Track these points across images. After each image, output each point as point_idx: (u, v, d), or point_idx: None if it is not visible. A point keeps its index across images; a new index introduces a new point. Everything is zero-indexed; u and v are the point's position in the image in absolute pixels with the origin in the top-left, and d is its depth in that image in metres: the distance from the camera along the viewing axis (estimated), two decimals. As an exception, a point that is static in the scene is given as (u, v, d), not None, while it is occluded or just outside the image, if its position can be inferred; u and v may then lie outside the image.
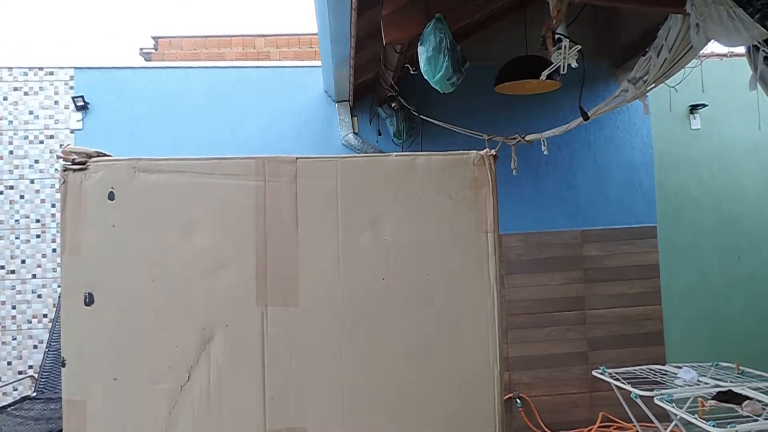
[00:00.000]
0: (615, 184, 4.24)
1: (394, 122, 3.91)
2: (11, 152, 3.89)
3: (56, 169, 3.89)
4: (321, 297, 0.98)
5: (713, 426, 2.32)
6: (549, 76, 2.69)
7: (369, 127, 4.10)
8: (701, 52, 2.39)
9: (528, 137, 3.51)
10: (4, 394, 3.76)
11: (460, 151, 1.02)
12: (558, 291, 4.10)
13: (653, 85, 2.62)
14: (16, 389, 3.79)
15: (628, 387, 2.96)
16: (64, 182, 0.96)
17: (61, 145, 3.90)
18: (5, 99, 3.91)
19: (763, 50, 2.15)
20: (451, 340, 1.00)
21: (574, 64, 2.36)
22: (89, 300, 0.94)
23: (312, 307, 0.98)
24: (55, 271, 3.87)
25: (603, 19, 4.19)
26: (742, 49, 2.39)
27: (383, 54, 3.16)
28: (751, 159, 4.40)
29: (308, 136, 4.05)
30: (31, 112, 3.92)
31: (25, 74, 3.94)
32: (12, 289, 3.84)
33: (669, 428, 2.90)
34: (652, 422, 2.97)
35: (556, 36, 2.34)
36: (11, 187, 3.86)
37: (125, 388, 0.94)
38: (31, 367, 3.81)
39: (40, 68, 3.96)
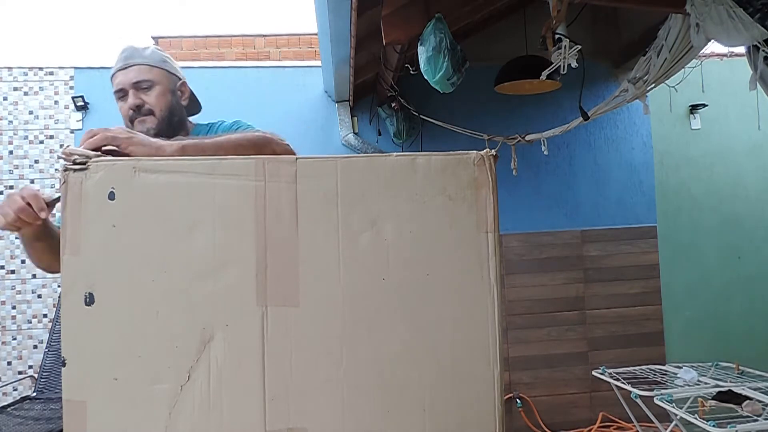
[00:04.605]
0: (615, 184, 4.24)
1: (394, 122, 3.91)
2: (11, 152, 3.89)
3: (56, 169, 3.89)
4: (321, 297, 0.98)
5: (713, 426, 2.32)
6: (549, 76, 2.69)
7: (369, 127, 4.10)
8: (701, 52, 2.39)
9: (528, 137, 3.51)
10: (4, 394, 3.75)
11: (460, 151, 1.02)
12: (558, 291, 4.10)
13: (653, 85, 2.62)
14: (16, 389, 3.79)
15: (628, 387, 2.96)
16: (64, 182, 0.96)
17: (61, 146, 3.90)
18: (5, 99, 3.91)
19: (763, 50, 2.15)
20: (452, 340, 1.00)
21: (574, 64, 2.36)
22: (89, 300, 0.94)
23: (312, 307, 0.97)
24: (55, 271, 3.87)
25: (603, 19, 4.19)
26: (742, 49, 2.39)
27: (383, 54, 3.16)
28: (751, 159, 4.40)
29: (308, 136, 4.04)
30: (31, 112, 3.92)
31: (25, 74, 3.94)
32: (12, 289, 3.84)
33: (669, 428, 2.90)
34: (652, 422, 2.97)
35: (556, 36, 2.34)
36: (11, 187, 3.86)
37: (125, 388, 0.94)
38: (31, 367, 3.80)
39: (40, 68, 3.96)
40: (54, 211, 1.28)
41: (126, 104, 1.52)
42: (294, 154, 1.39)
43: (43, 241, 1.34)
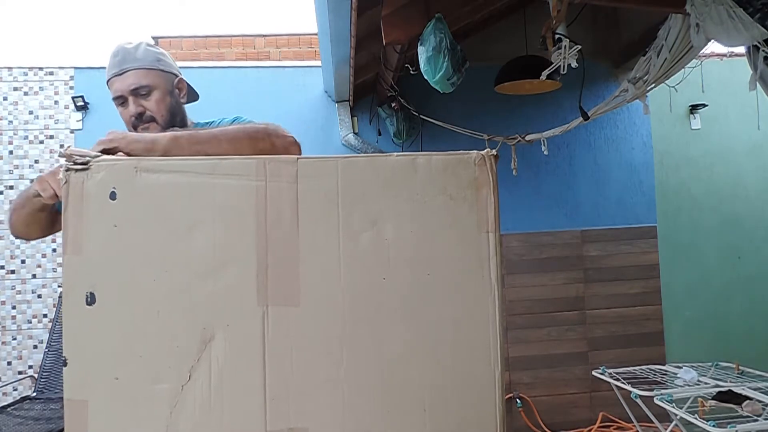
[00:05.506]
0: (615, 184, 4.24)
1: (394, 122, 3.91)
2: (11, 152, 3.89)
3: (56, 169, 3.88)
4: (321, 297, 0.98)
5: (713, 426, 2.33)
6: (549, 76, 2.69)
7: (369, 127, 4.10)
8: (701, 52, 2.39)
9: (528, 137, 3.51)
10: (4, 394, 3.76)
11: (461, 151, 1.02)
12: (558, 291, 4.10)
13: (653, 85, 2.62)
14: (16, 389, 3.79)
15: (628, 387, 2.96)
16: (66, 182, 0.96)
17: (61, 146, 3.90)
18: (5, 99, 3.91)
19: (763, 50, 2.15)
20: (452, 340, 1.00)
21: (574, 64, 2.36)
22: (91, 300, 0.94)
23: (313, 307, 0.98)
24: (55, 271, 3.87)
25: (603, 19, 4.19)
26: (742, 49, 2.39)
27: (383, 54, 3.16)
28: (751, 159, 4.40)
29: (308, 136, 4.04)
30: (31, 112, 3.92)
31: (25, 74, 3.94)
32: (12, 289, 3.84)
33: (669, 428, 2.90)
34: (652, 422, 2.97)
35: (556, 36, 2.34)
36: (11, 187, 3.86)
37: (126, 387, 0.94)
38: (31, 367, 3.80)
39: (40, 68, 3.96)
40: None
41: (127, 111, 1.51)
42: (298, 145, 1.39)
43: (45, 211, 1.38)
